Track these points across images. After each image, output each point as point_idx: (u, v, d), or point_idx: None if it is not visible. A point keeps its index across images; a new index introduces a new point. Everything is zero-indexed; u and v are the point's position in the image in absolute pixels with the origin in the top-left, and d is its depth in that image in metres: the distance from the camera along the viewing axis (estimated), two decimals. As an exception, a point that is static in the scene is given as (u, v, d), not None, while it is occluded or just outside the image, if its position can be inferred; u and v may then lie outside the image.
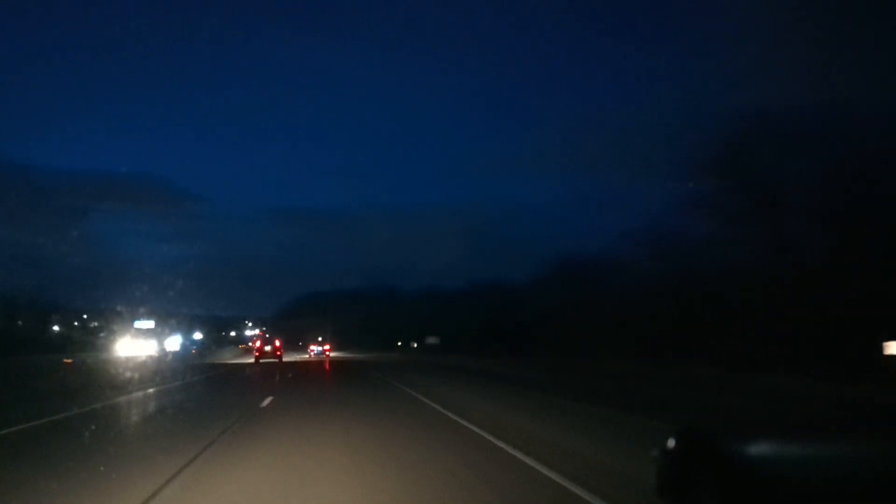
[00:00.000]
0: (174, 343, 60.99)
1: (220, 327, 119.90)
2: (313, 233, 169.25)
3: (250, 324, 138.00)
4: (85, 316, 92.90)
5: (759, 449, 1.83)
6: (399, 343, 57.38)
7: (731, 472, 1.76)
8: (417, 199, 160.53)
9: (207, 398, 17.66)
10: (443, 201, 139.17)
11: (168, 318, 73.80)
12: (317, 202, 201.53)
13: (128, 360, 34.69)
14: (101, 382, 20.26)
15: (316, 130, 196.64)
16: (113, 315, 67.55)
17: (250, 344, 64.74)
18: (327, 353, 55.23)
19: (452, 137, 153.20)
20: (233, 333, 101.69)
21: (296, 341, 69.15)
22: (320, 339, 71.18)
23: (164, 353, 50.13)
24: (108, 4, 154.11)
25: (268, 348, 47.13)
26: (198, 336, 75.25)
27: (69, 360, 29.50)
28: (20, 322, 63.31)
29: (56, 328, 79.44)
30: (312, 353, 54.95)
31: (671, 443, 2.19)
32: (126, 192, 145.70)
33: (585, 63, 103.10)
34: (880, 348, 15.06)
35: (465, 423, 10.49)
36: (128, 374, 24.03)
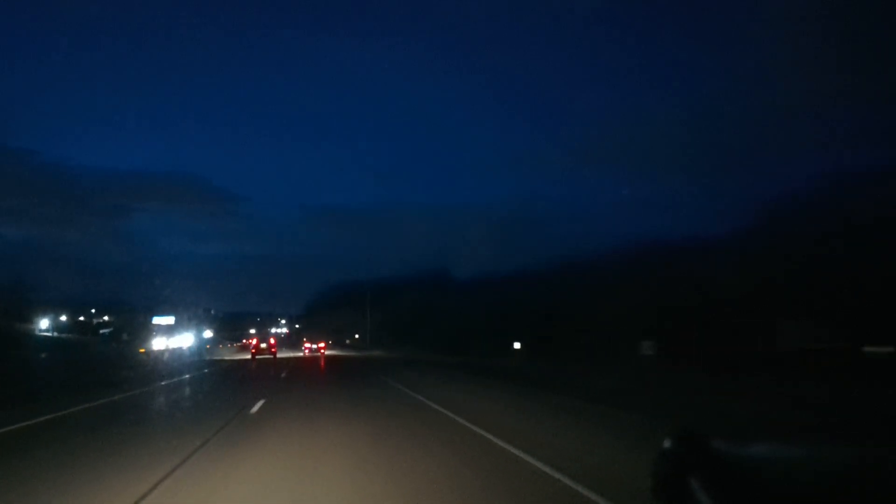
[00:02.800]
0: (185, 340, 61.55)
1: (248, 324, 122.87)
2: (348, 230, 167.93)
3: (284, 321, 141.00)
4: (95, 316, 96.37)
5: (753, 451, 1.67)
6: (517, 346, 35.01)
7: (725, 474, 1.65)
8: (450, 197, 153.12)
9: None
10: (476, 199, 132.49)
11: (194, 315, 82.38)
12: (352, 200, 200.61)
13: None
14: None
15: (351, 129, 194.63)
16: (137, 312, 78.53)
17: (244, 342, 67.41)
18: (322, 350, 54.86)
19: (486, 134, 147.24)
20: (252, 330, 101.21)
21: (326, 337, 68.29)
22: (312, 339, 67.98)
23: (173, 350, 51.97)
24: (148, 8, 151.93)
25: (263, 346, 49.10)
26: (208, 334, 76.83)
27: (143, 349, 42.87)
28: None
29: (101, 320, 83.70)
30: (307, 351, 54.98)
31: (667, 444, 1.83)
32: (164, 192, 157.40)
33: (616, 59, 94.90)
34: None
35: None
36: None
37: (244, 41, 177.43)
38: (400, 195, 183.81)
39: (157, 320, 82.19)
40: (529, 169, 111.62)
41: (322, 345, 56.41)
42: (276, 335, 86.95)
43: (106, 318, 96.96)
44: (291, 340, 66.48)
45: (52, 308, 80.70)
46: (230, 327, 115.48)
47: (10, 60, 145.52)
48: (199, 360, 44.10)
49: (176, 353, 52.24)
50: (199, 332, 73.48)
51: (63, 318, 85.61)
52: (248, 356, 47.76)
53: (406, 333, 54.85)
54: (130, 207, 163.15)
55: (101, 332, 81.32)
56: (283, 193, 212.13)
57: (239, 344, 78.72)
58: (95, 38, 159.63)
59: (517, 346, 32.72)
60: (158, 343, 62.21)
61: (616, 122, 77.99)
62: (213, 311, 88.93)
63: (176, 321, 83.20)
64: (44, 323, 70.93)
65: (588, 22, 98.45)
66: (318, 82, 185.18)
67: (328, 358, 46.40)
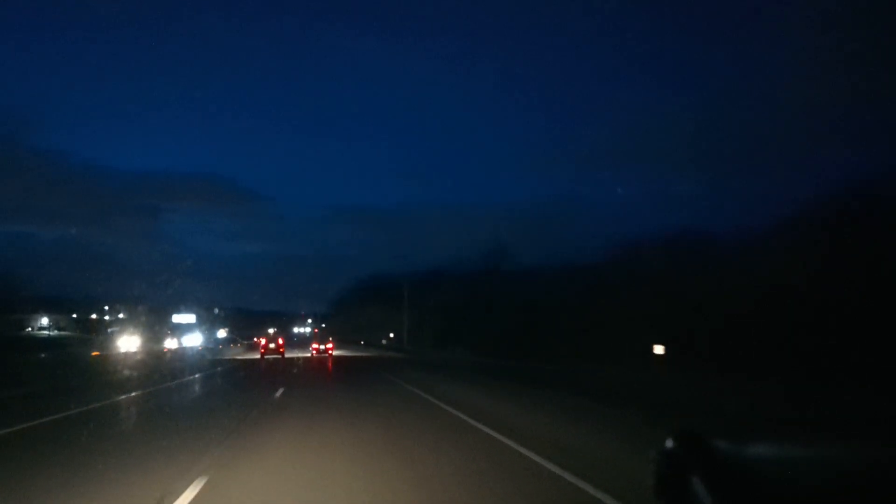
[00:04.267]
0: (194, 339, 61.01)
1: (270, 323, 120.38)
2: (374, 229, 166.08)
3: (310, 320, 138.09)
4: (113, 313, 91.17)
5: (752, 450, 1.75)
6: (659, 350, 24.17)
7: (725, 473, 1.71)
8: (478, 196, 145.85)
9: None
10: (503, 199, 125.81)
11: (209, 314, 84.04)
12: (378, 199, 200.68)
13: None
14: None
15: (377, 128, 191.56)
16: (157, 310, 73.12)
17: (255, 341, 68.16)
18: (330, 351, 53.70)
19: (514, 135, 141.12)
20: (271, 330, 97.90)
21: (353, 337, 66.45)
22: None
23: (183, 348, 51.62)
24: (178, 10, 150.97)
25: (272, 346, 49.53)
26: (221, 334, 77.58)
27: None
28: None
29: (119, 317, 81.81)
30: (315, 352, 53.73)
31: (669, 443, 1.93)
32: (191, 192, 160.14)
33: (647, 58, 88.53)
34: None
35: None
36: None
37: (272, 43, 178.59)
38: (427, 194, 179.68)
39: (176, 318, 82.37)
40: (561, 167, 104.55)
41: (331, 345, 55.69)
42: (300, 335, 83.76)
43: (121, 315, 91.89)
44: (319, 339, 62.99)
45: (66, 306, 76.85)
46: (252, 326, 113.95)
47: (42, 63, 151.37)
48: (200, 361, 41.55)
49: (179, 353, 48.76)
50: (212, 331, 73.05)
51: (73, 315, 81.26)
52: (258, 355, 48.51)
53: (450, 331, 45.71)
54: (158, 207, 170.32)
55: (109, 330, 75.36)
56: (309, 193, 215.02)
57: (248, 343, 78.12)
58: (126, 40, 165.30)
59: (659, 350, 22.15)
60: (171, 342, 60.62)
61: (649, 119, 70.61)
62: (216, 311, 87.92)
63: (197, 320, 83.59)
64: (43, 320, 65.10)
65: (620, 18, 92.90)
66: (345, 83, 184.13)
67: (344, 362, 41.30)
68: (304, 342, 65.99)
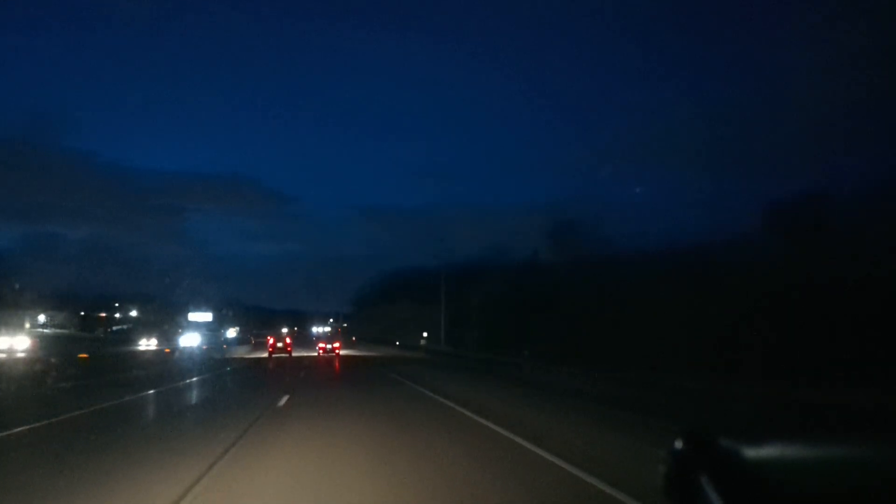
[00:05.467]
0: (193, 339, 57.21)
1: (294, 321, 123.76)
2: (399, 230, 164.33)
3: (331, 319, 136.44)
4: (120, 311, 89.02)
5: (759, 452, 1.72)
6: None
7: (732, 474, 1.68)
8: (503, 198, 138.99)
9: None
10: (529, 200, 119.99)
11: (223, 314, 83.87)
12: (404, 200, 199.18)
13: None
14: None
15: (402, 129, 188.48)
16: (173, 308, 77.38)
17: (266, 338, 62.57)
18: (337, 350, 51.74)
19: (541, 136, 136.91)
20: (284, 329, 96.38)
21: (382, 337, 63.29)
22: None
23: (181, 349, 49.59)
24: (203, 11, 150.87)
25: (280, 345, 48.72)
26: (231, 333, 75.90)
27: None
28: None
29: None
30: (322, 352, 51.56)
31: (678, 444, 1.89)
32: (216, 192, 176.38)
33: (675, 59, 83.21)
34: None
35: None
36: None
37: (298, 44, 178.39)
38: (451, 194, 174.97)
39: (192, 316, 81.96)
40: (586, 168, 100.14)
41: (337, 344, 53.79)
42: (320, 334, 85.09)
43: (133, 313, 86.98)
44: (328, 339, 60.92)
45: (78, 304, 72.95)
46: (273, 325, 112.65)
47: (69, 64, 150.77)
48: (200, 362, 37.53)
49: (178, 354, 44.89)
50: (221, 330, 71.32)
51: (81, 313, 77.05)
52: (265, 354, 47.32)
53: (497, 330, 38.25)
54: (182, 207, 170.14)
55: (115, 328, 70.15)
56: (333, 194, 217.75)
57: (257, 341, 75.91)
58: (151, 41, 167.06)
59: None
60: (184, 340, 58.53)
61: (684, 119, 65.85)
62: (223, 310, 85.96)
63: (214, 318, 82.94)
64: (41, 317, 60.14)
65: (649, 20, 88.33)
66: (370, 83, 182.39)
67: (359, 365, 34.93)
68: (324, 341, 61.06)
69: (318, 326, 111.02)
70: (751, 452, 1.65)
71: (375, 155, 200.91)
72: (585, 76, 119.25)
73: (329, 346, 51.83)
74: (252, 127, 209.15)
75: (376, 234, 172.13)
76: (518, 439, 9.86)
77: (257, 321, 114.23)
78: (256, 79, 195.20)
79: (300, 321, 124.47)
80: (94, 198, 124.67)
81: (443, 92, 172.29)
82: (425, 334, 50.85)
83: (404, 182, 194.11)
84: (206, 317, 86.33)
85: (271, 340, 50.08)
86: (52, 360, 27.51)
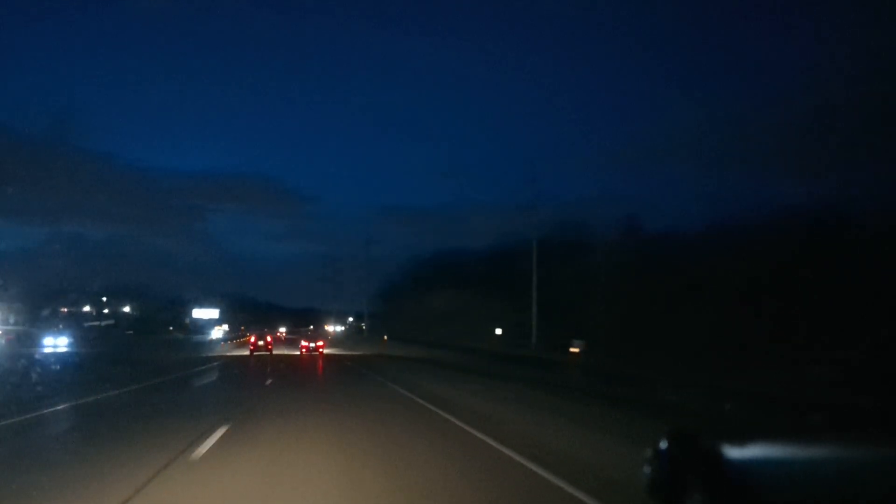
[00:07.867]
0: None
1: (310, 320, 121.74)
2: (420, 230, 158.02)
3: (351, 319, 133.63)
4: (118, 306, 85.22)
5: (742, 450, 1.78)
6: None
7: (716, 472, 1.75)
8: (522, 199, 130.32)
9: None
10: (549, 201, 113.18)
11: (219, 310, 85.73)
12: (424, 200, 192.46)
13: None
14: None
15: (423, 129, 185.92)
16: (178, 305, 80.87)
17: (247, 338, 69.99)
18: (320, 349, 52.12)
19: (563, 137, 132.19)
20: (306, 328, 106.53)
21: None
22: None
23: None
24: (221, 11, 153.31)
25: (261, 343, 51.22)
26: (217, 333, 77.86)
27: None
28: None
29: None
30: (305, 350, 52.84)
31: (662, 443, 2.09)
32: (236, 192, 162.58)
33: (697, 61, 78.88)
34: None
35: None
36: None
37: (317, 44, 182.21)
38: (471, 193, 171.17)
39: (197, 313, 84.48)
40: (605, 164, 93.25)
41: (321, 343, 54.84)
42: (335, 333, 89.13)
43: (127, 309, 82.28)
44: (310, 338, 62.76)
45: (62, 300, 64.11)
46: (290, 324, 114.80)
47: (88, 65, 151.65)
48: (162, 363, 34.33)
49: None
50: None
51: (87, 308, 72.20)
52: (256, 352, 48.76)
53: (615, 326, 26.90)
54: (202, 207, 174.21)
55: (86, 324, 61.92)
56: (354, 193, 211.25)
57: (240, 340, 76.86)
58: (169, 42, 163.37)
59: None
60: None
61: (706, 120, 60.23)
62: (217, 308, 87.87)
63: (220, 315, 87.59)
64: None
65: (667, 19, 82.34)
66: (389, 83, 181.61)
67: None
68: (307, 340, 62.11)
69: (332, 326, 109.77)
70: (731, 451, 1.72)
71: (396, 154, 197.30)
72: (612, 77, 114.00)
73: (312, 346, 53.10)
74: (272, 127, 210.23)
75: (397, 233, 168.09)
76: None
77: (268, 320, 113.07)
78: (277, 79, 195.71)
79: (315, 319, 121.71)
80: (114, 199, 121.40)
81: (464, 91, 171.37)
82: (498, 331, 39.24)
83: (425, 181, 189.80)
84: (212, 313, 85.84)
85: (252, 339, 53.04)
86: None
